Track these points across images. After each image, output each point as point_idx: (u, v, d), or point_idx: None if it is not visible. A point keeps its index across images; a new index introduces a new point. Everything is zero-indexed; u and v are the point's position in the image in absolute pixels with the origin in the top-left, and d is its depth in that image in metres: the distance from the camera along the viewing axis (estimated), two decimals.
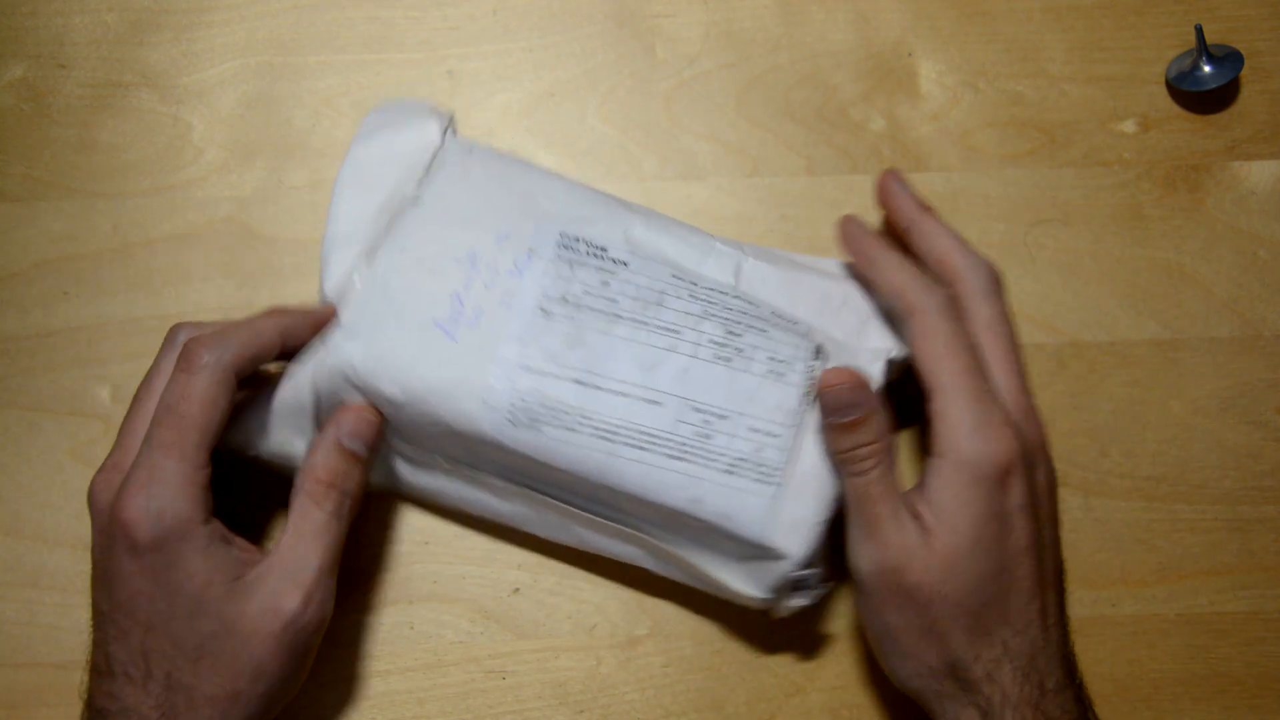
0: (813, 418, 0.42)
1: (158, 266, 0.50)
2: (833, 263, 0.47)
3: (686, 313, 0.42)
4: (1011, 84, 0.52)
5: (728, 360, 0.42)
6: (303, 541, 0.40)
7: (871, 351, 0.43)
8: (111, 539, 0.39)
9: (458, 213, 0.43)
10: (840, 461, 0.41)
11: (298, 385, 0.42)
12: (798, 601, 0.43)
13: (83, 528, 0.47)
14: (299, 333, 0.42)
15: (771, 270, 0.45)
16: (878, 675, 0.46)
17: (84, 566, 0.46)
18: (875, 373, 0.43)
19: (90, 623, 0.41)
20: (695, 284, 0.43)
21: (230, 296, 0.49)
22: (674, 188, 0.51)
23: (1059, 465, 0.48)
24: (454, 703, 0.46)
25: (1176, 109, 0.52)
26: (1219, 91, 0.52)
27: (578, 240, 0.43)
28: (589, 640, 0.46)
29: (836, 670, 0.46)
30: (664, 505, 0.42)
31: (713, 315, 0.43)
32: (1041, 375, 0.49)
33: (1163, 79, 0.52)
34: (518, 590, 0.47)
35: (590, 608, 0.47)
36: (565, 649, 0.46)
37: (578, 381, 0.41)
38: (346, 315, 0.42)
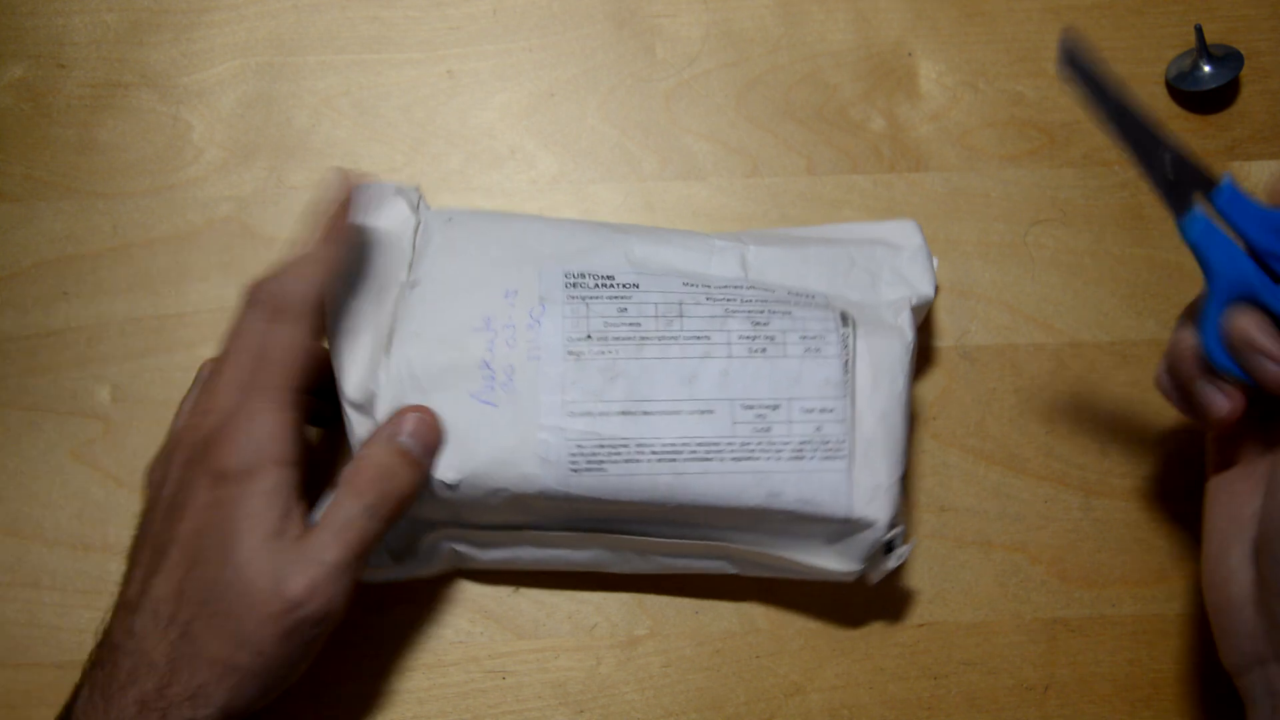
0: (861, 381, 0.42)
1: (158, 266, 0.50)
2: (827, 228, 0.47)
3: (710, 316, 0.42)
4: (1011, 84, 0.52)
5: (763, 351, 0.42)
6: (327, 532, 0.39)
7: (891, 305, 0.44)
8: (195, 472, 0.39)
9: (459, 282, 0.42)
10: None
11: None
12: (890, 564, 0.43)
13: (83, 527, 0.47)
14: (338, 231, 0.41)
15: (775, 252, 0.45)
16: (878, 675, 0.46)
17: (84, 566, 0.46)
18: (904, 325, 0.43)
19: (128, 556, 0.40)
20: (709, 286, 0.43)
21: (230, 296, 0.49)
22: (674, 188, 0.51)
23: (1058, 465, 0.48)
24: (454, 703, 0.46)
25: (1176, 109, 0.52)
26: (1219, 91, 0.52)
27: (583, 275, 0.43)
28: (589, 640, 0.46)
29: (836, 670, 0.46)
30: (742, 508, 0.41)
31: (735, 312, 0.42)
32: (1041, 375, 0.49)
33: (1163, 79, 0.52)
34: (518, 590, 0.47)
35: (590, 608, 0.47)
36: (565, 649, 0.46)
37: (625, 413, 0.41)
38: (380, 415, 0.41)
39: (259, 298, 0.40)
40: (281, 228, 0.50)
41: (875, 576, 0.44)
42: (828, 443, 0.41)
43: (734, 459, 0.41)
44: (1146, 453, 0.48)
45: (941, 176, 0.51)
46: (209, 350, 0.48)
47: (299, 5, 0.52)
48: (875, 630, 0.47)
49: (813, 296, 0.44)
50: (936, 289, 0.46)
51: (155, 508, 0.40)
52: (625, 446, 0.41)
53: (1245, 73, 0.51)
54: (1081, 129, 0.52)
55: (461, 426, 0.41)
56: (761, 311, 0.43)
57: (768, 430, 0.41)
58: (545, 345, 0.41)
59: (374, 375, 0.41)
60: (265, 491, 0.38)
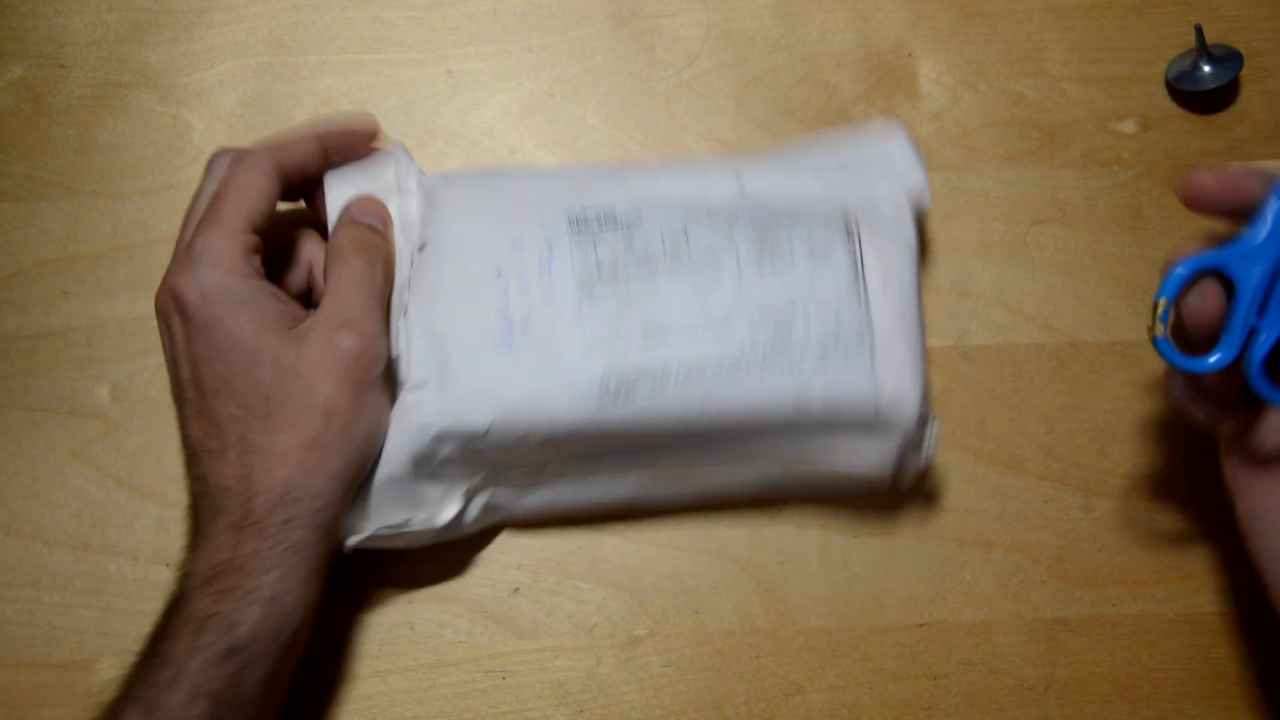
0: (872, 282, 0.42)
1: (158, 266, 0.49)
2: (813, 139, 0.48)
3: (715, 237, 0.43)
4: (1011, 84, 0.52)
5: (771, 263, 0.42)
6: (343, 290, 0.41)
7: (889, 202, 0.45)
8: (169, 322, 0.41)
9: (466, 239, 0.43)
10: None
11: (391, 459, 0.42)
12: (922, 461, 0.43)
13: (83, 527, 0.47)
14: (338, 142, 0.44)
15: (768, 169, 0.46)
16: (878, 675, 0.46)
17: (84, 566, 0.46)
18: (905, 220, 0.44)
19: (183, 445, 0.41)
20: (709, 209, 0.44)
21: None
22: None
23: (1058, 465, 0.48)
24: (454, 703, 0.46)
25: (1176, 109, 0.52)
26: (1219, 91, 0.52)
27: (585, 215, 0.43)
28: (589, 640, 0.46)
29: (836, 670, 0.46)
30: (773, 419, 0.42)
31: (739, 229, 0.43)
32: (1041, 375, 0.49)
33: (1163, 79, 0.52)
34: (518, 590, 0.47)
35: (590, 608, 0.47)
36: (565, 649, 0.46)
37: (646, 340, 0.42)
38: (408, 374, 0.42)
39: (232, 151, 0.43)
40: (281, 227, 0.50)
41: (907, 479, 0.44)
42: (848, 345, 0.42)
43: (758, 372, 0.41)
44: (1146, 453, 0.48)
45: (941, 176, 0.51)
46: None
47: (299, 5, 0.52)
48: (875, 630, 0.47)
49: (812, 205, 0.44)
50: (928, 183, 0.46)
51: (167, 366, 0.42)
52: (650, 373, 0.41)
53: (1245, 73, 0.51)
54: (1081, 129, 0.52)
55: (487, 376, 0.41)
56: (765, 225, 0.43)
57: (788, 340, 0.42)
58: (558, 287, 0.42)
59: (394, 340, 0.42)
60: (246, 303, 0.40)
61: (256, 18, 0.52)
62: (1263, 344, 0.37)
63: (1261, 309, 0.38)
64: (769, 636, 0.46)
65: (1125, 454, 0.48)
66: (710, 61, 0.52)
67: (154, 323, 0.48)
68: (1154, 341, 0.38)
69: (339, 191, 0.44)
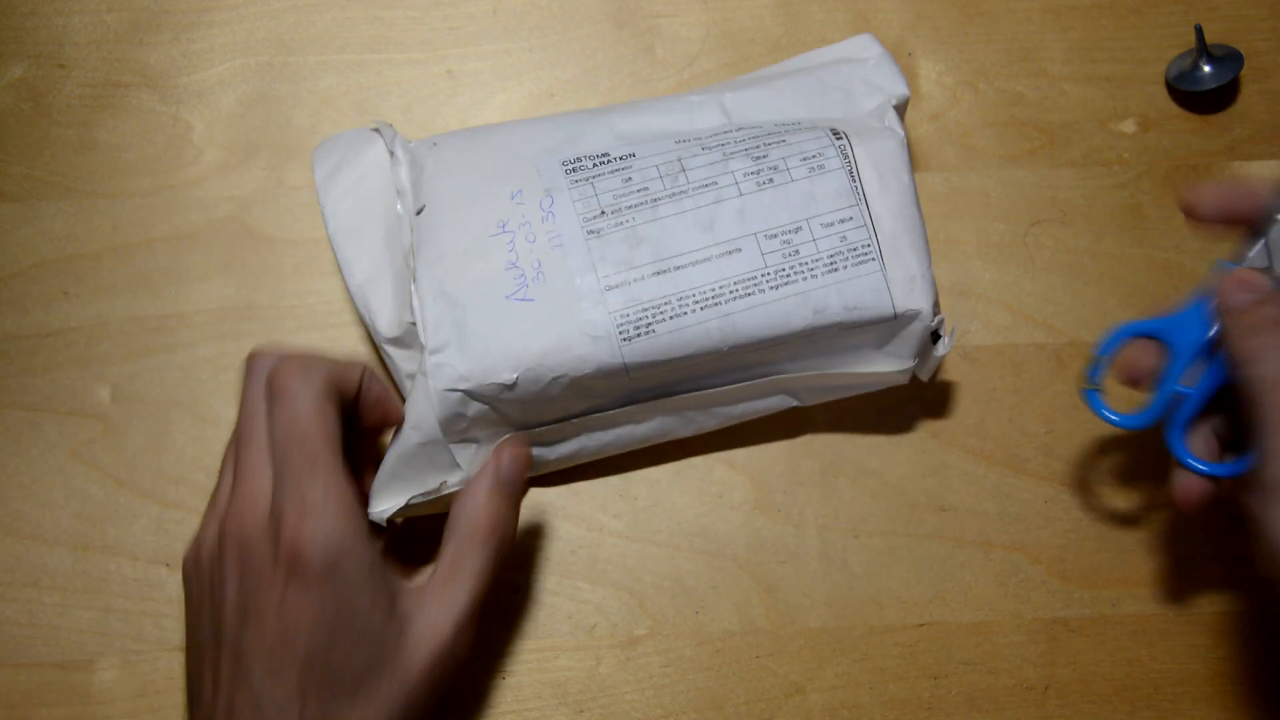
0: (869, 186, 0.43)
1: (158, 266, 0.50)
2: (790, 61, 0.49)
3: (710, 163, 0.44)
4: (1011, 84, 0.52)
5: (770, 180, 0.43)
6: (460, 579, 0.39)
7: (873, 112, 0.46)
8: (264, 570, 0.37)
9: (464, 197, 0.43)
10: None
11: (420, 425, 0.42)
12: (940, 351, 0.44)
13: (83, 527, 0.47)
14: (375, 376, 0.41)
15: (751, 94, 0.46)
16: (878, 675, 0.46)
17: (84, 566, 0.46)
18: (892, 124, 0.45)
19: (188, 673, 0.39)
20: (700, 138, 0.45)
21: (230, 296, 0.49)
22: None
23: (1058, 465, 0.48)
24: (454, 702, 0.46)
25: (1176, 109, 0.52)
26: (1219, 91, 0.52)
27: (579, 159, 0.44)
28: (589, 640, 0.46)
29: (836, 670, 0.46)
30: (793, 332, 0.43)
31: (733, 154, 0.44)
32: (1041, 375, 0.49)
33: (1163, 79, 0.52)
34: (518, 590, 0.47)
35: (590, 608, 0.47)
36: (565, 649, 0.46)
37: (659, 273, 0.42)
38: (426, 339, 0.42)
39: (273, 379, 0.39)
40: (281, 228, 0.50)
41: (927, 372, 0.45)
42: (855, 249, 0.43)
43: (773, 288, 0.42)
44: (1146, 453, 0.48)
45: (941, 176, 0.51)
46: (209, 350, 0.49)
47: (299, 5, 0.52)
48: (875, 630, 0.47)
49: (798, 122, 0.45)
50: (909, 91, 0.47)
51: (216, 608, 0.38)
52: (667, 304, 0.42)
53: (1245, 73, 0.51)
54: (1081, 129, 0.52)
55: (507, 329, 0.42)
56: (757, 146, 0.44)
57: (796, 253, 0.43)
58: (564, 232, 0.42)
59: (406, 306, 0.43)
60: (366, 573, 0.37)
61: (256, 18, 0.52)
62: (1185, 408, 0.40)
63: (1193, 378, 0.40)
64: (769, 636, 0.46)
65: (1125, 454, 0.48)
66: (710, 61, 0.52)
67: (154, 323, 0.49)
68: (1081, 394, 0.42)
69: (327, 163, 0.45)
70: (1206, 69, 0.51)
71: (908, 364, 0.44)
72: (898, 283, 0.43)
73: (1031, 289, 0.50)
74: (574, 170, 0.44)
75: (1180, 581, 0.47)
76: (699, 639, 0.46)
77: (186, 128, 0.51)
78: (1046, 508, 0.48)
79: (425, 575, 0.40)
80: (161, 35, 0.52)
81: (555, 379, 0.42)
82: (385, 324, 0.43)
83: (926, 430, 0.48)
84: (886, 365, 0.44)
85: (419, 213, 0.43)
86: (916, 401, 0.49)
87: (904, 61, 0.52)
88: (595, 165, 0.44)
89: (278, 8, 0.52)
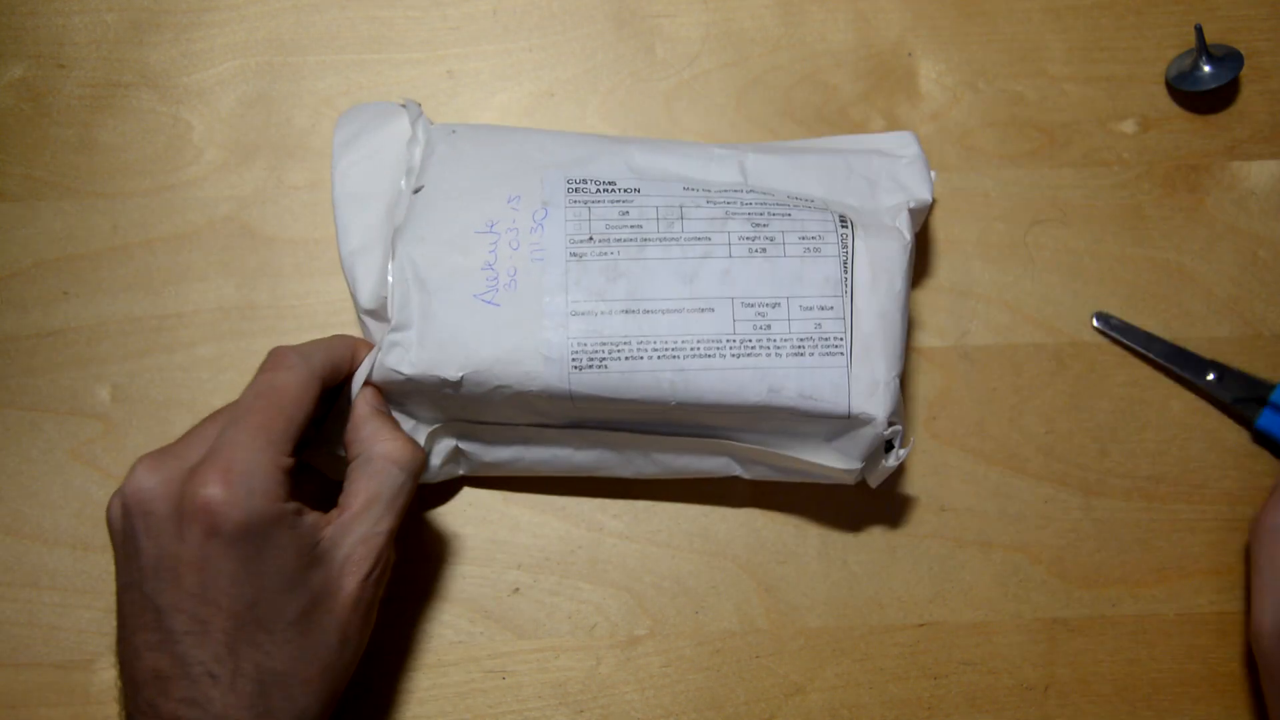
0: (860, 280, 0.43)
1: (157, 266, 0.50)
2: (824, 140, 0.48)
3: (710, 218, 0.43)
4: (1011, 84, 0.52)
5: (763, 250, 0.43)
6: (377, 503, 0.39)
7: (890, 210, 0.45)
8: (184, 525, 0.36)
9: (463, 188, 0.44)
10: None
11: (364, 390, 0.43)
12: (890, 462, 0.43)
13: (83, 527, 0.47)
14: (365, 353, 0.43)
15: (774, 160, 0.46)
16: (878, 675, 0.46)
17: (84, 566, 0.46)
18: (902, 226, 0.44)
19: (118, 626, 0.38)
20: (709, 190, 0.44)
21: (230, 296, 0.49)
22: None
23: (1059, 465, 0.48)
24: (454, 703, 0.46)
25: (1176, 109, 0.52)
26: (1219, 91, 0.52)
27: (585, 181, 0.44)
28: (589, 640, 0.46)
29: (836, 670, 0.46)
30: (744, 405, 0.42)
31: (735, 214, 0.43)
32: (1041, 375, 0.49)
33: (1163, 79, 0.52)
34: (518, 590, 0.47)
35: (590, 608, 0.47)
36: (565, 649, 0.46)
37: (627, 311, 0.42)
38: (393, 314, 0.42)
39: (273, 353, 0.41)
40: (281, 228, 0.50)
41: (875, 479, 0.45)
42: (827, 339, 0.42)
43: (735, 355, 0.42)
44: (1146, 453, 0.48)
45: (941, 177, 0.51)
46: (209, 350, 0.49)
47: (299, 5, 0.52)
48: (875, 630, 0.47)
49: (811, 200, 0.45)
50: (934, 199, 0.46)
51: (136, 560, 0.37)
52: (627, 344, 0.41)
53: (1245, 73, 0.51)
54: (1081, 129, 0.52)
55: (465, 327, 0.42)
56: (761, 213, 0.43)
57: (768, 327, 0.42)
58: (548, 247, 0.42)
59: (384, 281, 0.43)
60: (288, 527, 0.37)
61: (256, 18, 0.52)
62: None
63: None
64: (769, 636, 0.46)
65: (1125, 454, 0.48)
66: (710, 61, 0.52)
67: (154, 323, 0.49)
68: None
69: (349, 128, 0.45)
70: (1206, 69, 0.51)
71: (855, 465, 0.43)
72: (860, 383, 0.42)
73: (1031, 289, 0.50)
74: (577, 190, 0.43)
75: (1180, 581, 0.47)
76: (699, 639, 0.46)
77: (186, 128, 0.51)
78: (1046, 508, 0.48)
79: (338, 509, 0.39)
80: (161, 35, 0.52)
81: (499, 388, 0.42)
82: (366, 296, 0.43)
83: (926, 430, 0.48)
84: (834, 461, 0.43)
85: (416, 192, 0.44)
86: (916, 401, 0.49)
87: (904, 61, 0.52)
88: (598, 190, 0.43)
89: (278, 8, 0.52)
